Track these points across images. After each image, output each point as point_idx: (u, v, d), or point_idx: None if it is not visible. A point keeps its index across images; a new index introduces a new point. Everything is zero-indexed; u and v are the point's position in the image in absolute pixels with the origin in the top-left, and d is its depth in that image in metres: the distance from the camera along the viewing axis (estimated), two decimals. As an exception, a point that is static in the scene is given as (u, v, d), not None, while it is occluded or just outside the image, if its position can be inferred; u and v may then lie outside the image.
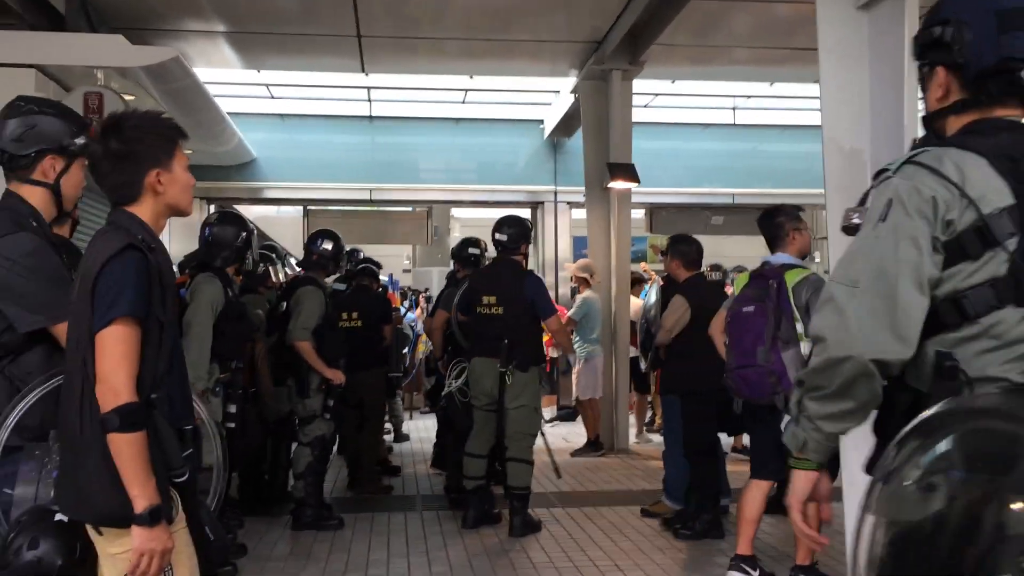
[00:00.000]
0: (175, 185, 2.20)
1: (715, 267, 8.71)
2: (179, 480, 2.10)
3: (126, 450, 1.97)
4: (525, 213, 12.68)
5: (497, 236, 5.86)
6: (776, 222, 4.48)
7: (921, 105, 1.96)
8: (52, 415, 2.36)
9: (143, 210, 2.17)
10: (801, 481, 1.80)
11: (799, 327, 4.16)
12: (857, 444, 3.82)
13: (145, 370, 2.05)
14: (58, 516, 2.16)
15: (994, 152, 1.64)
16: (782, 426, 4.06)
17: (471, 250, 6.78)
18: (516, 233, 5.82)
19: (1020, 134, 1.71)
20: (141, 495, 1.98)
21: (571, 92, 9.94)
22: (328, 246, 5.84)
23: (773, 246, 4.50)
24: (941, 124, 1.81)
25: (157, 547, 1.99)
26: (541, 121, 11.98)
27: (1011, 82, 1.70)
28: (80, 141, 2.66)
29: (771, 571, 4.47)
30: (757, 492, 4.42)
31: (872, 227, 1.70)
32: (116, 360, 1.99)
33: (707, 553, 5.07)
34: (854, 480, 3.85)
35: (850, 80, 3.97)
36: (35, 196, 2.63)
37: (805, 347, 4.19)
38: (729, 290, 7.59)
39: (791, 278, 4.23)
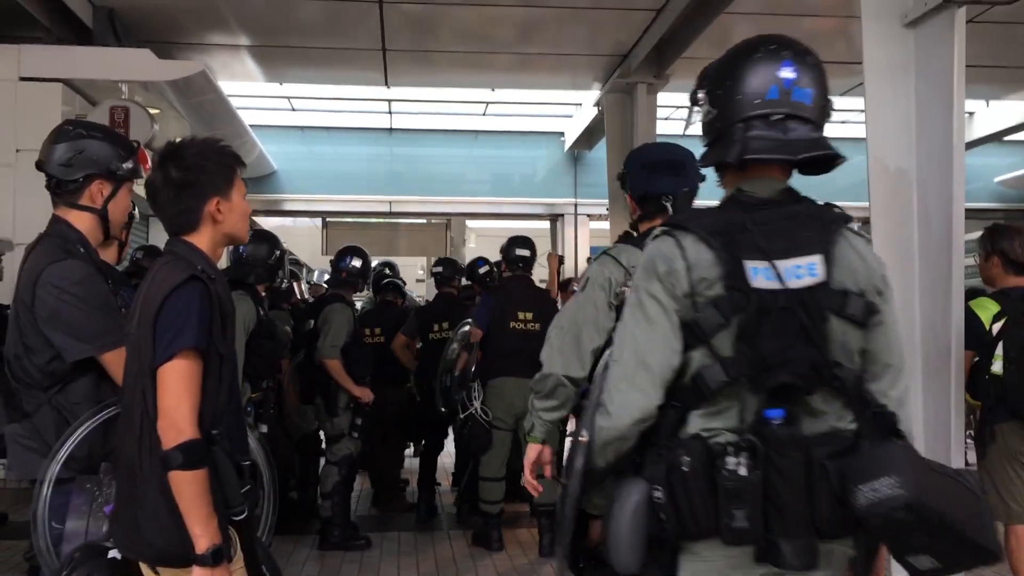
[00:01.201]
0: (234, 214, 2.16)
1: None
2: (238, 518, 2.05)
3: (188, 489, 1.92)
4: (544, 225, 12.58)
5: (519, 252, 5.86)
6: None
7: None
8: (101, 447, 2.32)
9: (201, 239, 2.13)
10: (532, 451, 2.86)
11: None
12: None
13: (206, 404, 2.00)
14: (111, 553, 2.10)
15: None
16: None
17: (435, 269, 6.85)
18: (534, 251, 5.96)
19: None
20: (203, 535, 1.92)
21: (594, 105, 9.88)
22: (357, 263, 5.80)
23: None
24: (636, 227, 3.08)
25: (218, 588, 1.94)
26: (562, 133, 11.92)
27: (660, 205, 2.94)
28: (128, 166, 2.62)
29: None
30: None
31: (577, 294, 2.89)
32: (178, 395, 1.94)
33: None
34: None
35: (896, 99, 3.88)
36: (82, 222, 2.60)
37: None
38: None
39: None
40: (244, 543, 2.08)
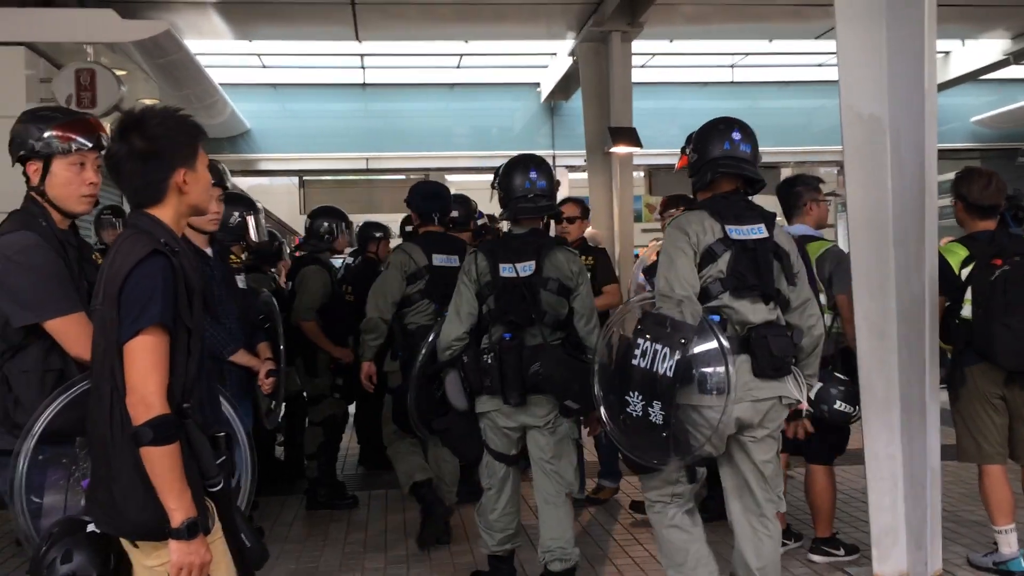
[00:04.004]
0: (199, 184, 2.13)
1: None
2: (214, 489, 2.05)
3: (160, 463, 1.92)
4: (523, 178, 12.54)
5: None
6: (794, 191, 4.41)
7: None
8: (74, 421, 2.31)
9: (165, 212, 2.10)
10: (364, 367, 4.75)
11: (822, 299, 4.11)
12: (881, 420, 3.78)
13: (175, 379, 1.99)
14: (90, 527, 2.11)
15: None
16: (811, 394, 4.02)
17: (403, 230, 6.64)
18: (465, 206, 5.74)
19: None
20: (178, 508, 1.93)
21: (569, 54, 9.78)
22: (329, 223, 5.74)
23: (790, 216, 4.44)
24: (417, 231, 4.94)
25: (196, 560, 1.95)
26: (537, 84, 11.81)
27: (431, 217, 4.86)
28: (47, 138, 2.59)
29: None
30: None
31: (385, 271, 4.78)
32: (146, 371, 1.93)
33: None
34: (876, 453, 3.83)
35: (867, 44, 3.85)
36: (39, 199, 2.65)
37: (827, 319, 4.15)
38: None
39: (813, 250, 4.17)
40: (222, 514, 2.09)
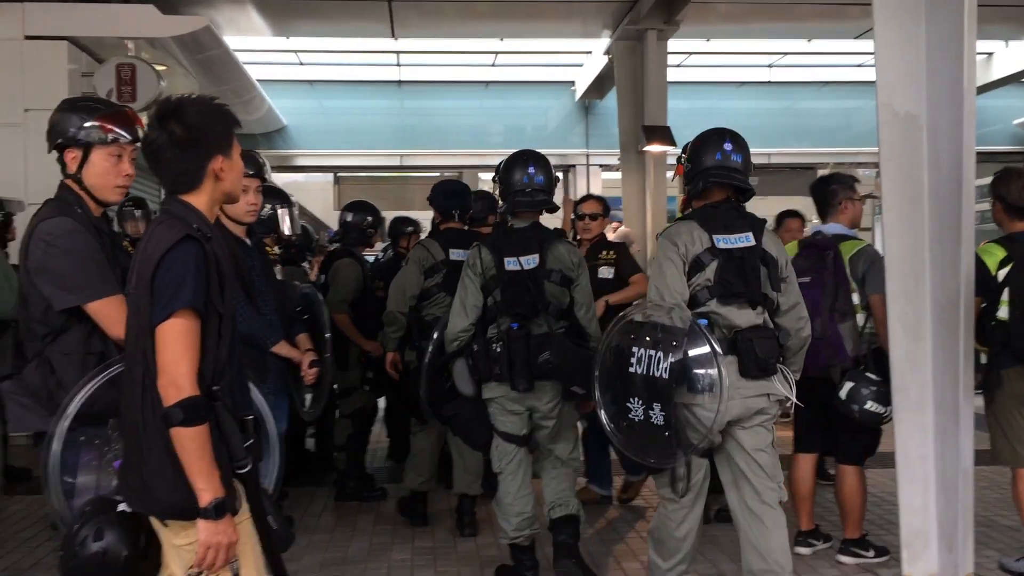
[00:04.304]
0: (234, 172, 2.17)
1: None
2: (242, 471, 2.09)
3: (190, 444, 1.96)
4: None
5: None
6: (829, 190, 4.37)
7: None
8: (110, 402, 2.36)
9: (199, 198, 2.14)
10: (388, 356, 4.96)
11: (855, 298, 4.08)
12: (914, 421, 3.74)
13: (206, 362, 2.03)
14: (121, 506, 2.15)
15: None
16: (842, 393, 4.00)
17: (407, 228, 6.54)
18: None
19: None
20: (206, 488, 1.97)
21: (604, 53, 9.76)
22: (368, 218, 5.79)
23: (824, 214, 4.40)
24: (439, 227, 5.12)
25: (223, 540, 1.99)
26: (572, 83, 11.80)
27: (450, 214, 4.98)
28: (88, 127, 2.64)
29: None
30: (806, 466, 4.37)
31: (404, 267, 4.92)
32: (177, 353, 1.97)
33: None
34: (907, 454, 3.79)
35: (905, 43, 3.79)
36: (74, 187, 2.71)
37: (860, 319, 4.12)
38: None
39: (846, 249, 4.14)
40: (250, 495, 2.13)
